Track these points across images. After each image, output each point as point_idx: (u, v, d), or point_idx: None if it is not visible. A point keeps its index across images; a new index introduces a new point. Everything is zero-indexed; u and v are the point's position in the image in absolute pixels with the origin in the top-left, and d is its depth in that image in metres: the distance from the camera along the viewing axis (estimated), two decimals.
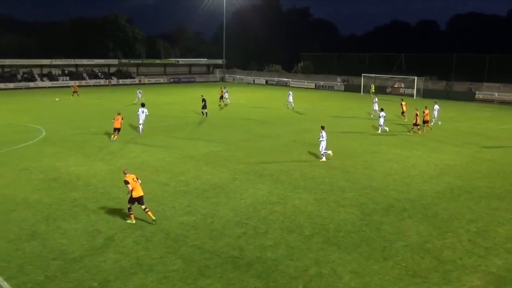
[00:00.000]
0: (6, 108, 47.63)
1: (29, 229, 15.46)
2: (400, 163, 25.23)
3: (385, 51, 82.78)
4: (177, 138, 31.33)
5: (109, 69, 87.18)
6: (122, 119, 30.79)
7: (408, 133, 34.49)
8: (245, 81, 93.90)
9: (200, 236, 14.99)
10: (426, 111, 35.43)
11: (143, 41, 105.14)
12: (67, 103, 52.94)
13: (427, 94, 65.76)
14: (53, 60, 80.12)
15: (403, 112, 41.21)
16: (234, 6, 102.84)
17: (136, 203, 16.09)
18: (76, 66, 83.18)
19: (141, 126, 33.18)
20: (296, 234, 15.28)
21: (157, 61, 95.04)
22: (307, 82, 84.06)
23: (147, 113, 33.88)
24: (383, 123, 35.15)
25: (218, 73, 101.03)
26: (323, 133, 25.39)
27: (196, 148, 28.16)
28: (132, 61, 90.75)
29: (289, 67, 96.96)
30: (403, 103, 41.89)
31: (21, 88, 72.61)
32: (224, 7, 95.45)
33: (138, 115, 33.49)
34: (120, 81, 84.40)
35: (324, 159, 25.36)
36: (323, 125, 26.86)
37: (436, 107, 39.80)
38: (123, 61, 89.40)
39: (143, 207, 16.22)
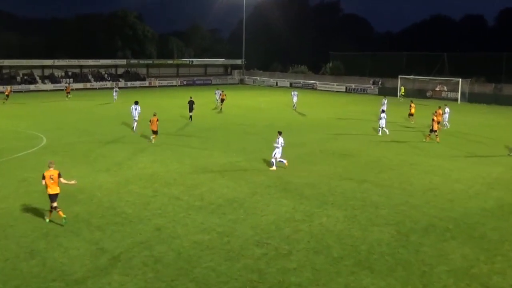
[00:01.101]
0: (4, 113, 48.54)
1: (27, 246, 15.66)
2: (442, 176, 24.95)
3: (425, 50, 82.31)
4: (191, 147, 31.52)
5: (116, 70, 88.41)
6: (157, 120, 32.72)
7: (424, 140, 35.14)
8: (267, 83, 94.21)
9: (215, 257, 15.00)
10: (439, 111, 38.79)
11: (154, 39, 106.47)
12: (70, 107, 53.74)
13: (473, 98, 65.06)
14: (56, 60, 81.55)
15: (410, 114, 44.11)
16: (255, 0, 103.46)
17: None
18: (81, 67, 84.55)
19: (135, 124, 36.70)
20: (323, 256, 15.18)
21: (170, 61, 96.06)
22: (337, 85, 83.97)
23: (140, 110, 37.06)
24: (384, 125, 37.33)
25: (236, 75, 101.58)
26: (280, 139, 25.80)
27: (212, 158, 28.29)
28: (142, 61, 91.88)
29: (316, 68, 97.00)
30: (412, 105, 44.56)
31: (21, 91, 73.86)
32: (244, 2, 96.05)
33: (131, 112, 37.12)
34: (129, 84, 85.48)
35: (274, 167, 25.69)
36: (280, 130, 27.28)
37: (447, 110, 41.65)
38: (132, 61, 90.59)
39: (54, 204, 17.22)
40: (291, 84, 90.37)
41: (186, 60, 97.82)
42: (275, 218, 18.36)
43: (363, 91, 79.08)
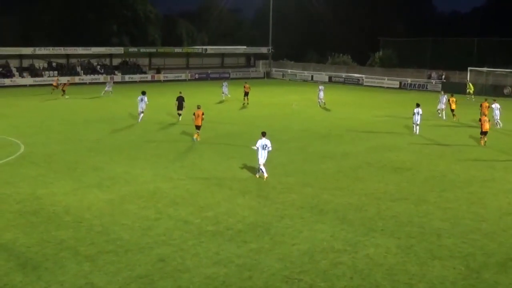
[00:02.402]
0: None
1: (0, 280, 15.87)
2: None
3: (502, 34, 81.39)
4: (203, 158, 31.68)
5: (111, 61, 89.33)
6: (203, 114, 36.01)
7: (480, 145, 36.72)
8: (299, 77, 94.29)
9: None
10: (485, 104, 43.84)
11: (158, 22, 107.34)
12: (55, 107, 54.43)
13: None
14: (37, 48, 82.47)
15: (452, 110, 47.38)
16: None
17: None
18: (68, 56, 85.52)
19: (141, 115, 43.58)
20: None
21: (177, 49, 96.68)
22: (388, 79, 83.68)
23: (147, 101, 43.71)
24: (419, 121, 40.07)
25: (261, 67, 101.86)
26: (261, 142, 26.73)
27: (230, 172, 28.35)
28: (143, 49, 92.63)
29: (362, 59, 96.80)
30: (452, 99, 48.07)
31: None
32: None
33: (138, 102, 43.81)
34: (127, 77, 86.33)
35: (262, 174, 26.81)
36: (264, 131, 27.82)
37: (497, 106, 44.38)
38: (131, 49, 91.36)
39: None
40: (330, 78, 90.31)
41: (198, 48, 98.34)
42: (309, 247, 18.31)
43: (422, 87, 78.61)
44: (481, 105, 44.49)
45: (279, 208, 22.32)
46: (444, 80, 78.25)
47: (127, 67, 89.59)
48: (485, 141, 36.81)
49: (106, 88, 63.69)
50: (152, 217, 21.05)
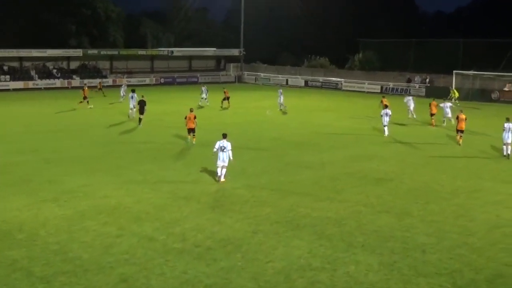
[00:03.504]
0: None
1: None
2: None
3: (489, 35, 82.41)
4: (170, 169, 31.58)
5: (69, 64, 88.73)
6: (195, 117, 38.37)
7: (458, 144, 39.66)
8: (273, 81, 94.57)
9: None
10: (434, 103, 48.62)
11: (120, 22, 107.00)
12: (10, 114, 53.86)
13: None
14: None
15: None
16: None
17: None
18: (21, 59, 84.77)
19: (132, 111, 49.52)
20: None
21: (141, 51, 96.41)
22: (369, 84, 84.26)
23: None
24: (387, 122, 42.71)
25: (232, 70, 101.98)
26: (220, 143, 28.01)
27: (199, 184, 28.27)
28: (103, 51, 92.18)
29: (341, 61, 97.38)
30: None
31: None
32: None
33: (129, 99, 50.20)
34: (86, 82, 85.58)
35: (222, 179, 28.12)
36: (225, 133, 28.97)
37: (446, 104, 49.36)
38: (91, 51, 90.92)
39: None
40: (306, 82, 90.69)
41: (163, 50, 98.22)
42: (284, 265, 18.30)
43: (405, 92, 79.10)
44: (430, 105, 49.41)
45: (252, 223, 22.27)
46: (428, 84, 79.00)
47: (86, 71, 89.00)
48: (461, 139, 39.88)
49: (122, 92, 64.39)
50: (114, 234, 20.86)
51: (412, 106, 53.97)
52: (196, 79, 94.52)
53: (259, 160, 33.87)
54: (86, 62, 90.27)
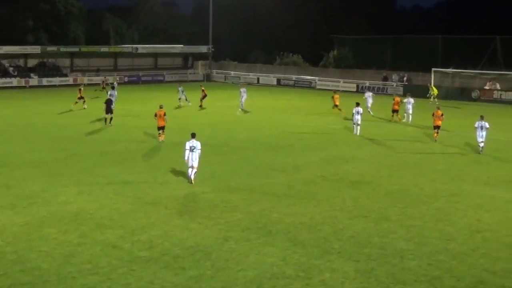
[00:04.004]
0: None
1: None
2: (495, 212, 25.15)
3: (469, 31, 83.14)
4: (135, 173, 31.40)
5: (26, 62, 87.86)
6: (165, 114, 39.58)
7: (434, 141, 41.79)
8: (244, 80, 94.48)
9: None
10: (397, 99, 51.79)
11: (81, 17, 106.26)
12: None
13: None
14: None
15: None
16: None
17: None
18: None
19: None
20: None
21: (104, 48, 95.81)
22: (344, 82, 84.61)
23: (116, 95, 52.50)
24: (360, 120, 44.04)
25: (201, 68, 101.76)
26: (189, 143, 28.71)
27: (166, 189, 28.15)
28: (63, 48, 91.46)
29: (315, 59, 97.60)
30: (336, 96, 55.55)
31: None
32: None
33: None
34: (44, 81, 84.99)
35: (194, 178, 28.80)
36: (194, 132, 29.66)
37: (409, 100, 52.13)
38: (50, 48, 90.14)
39: None
40: (279, 81, 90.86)
41: (127, 47, 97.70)
42: (256, 274, 18.29)
43: (382, 91, 79.66)
44: (393, 99, 52.23)
45: (222, 230, 22.23)
46: (406, 83, 79.49)
47: (45, 69, 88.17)
48: (437, 136, 41.89)
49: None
50: (75, 242, 20.70)
51: (370, 102, 56.41)
52: (162, 78, 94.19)
53: (229, 163, 33.85)
54: (45, 60, 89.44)
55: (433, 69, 72.47)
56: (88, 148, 37.91)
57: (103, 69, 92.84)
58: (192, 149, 28.50)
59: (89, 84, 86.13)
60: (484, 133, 37.40)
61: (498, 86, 70.86)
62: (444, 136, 43.25)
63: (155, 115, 39.83)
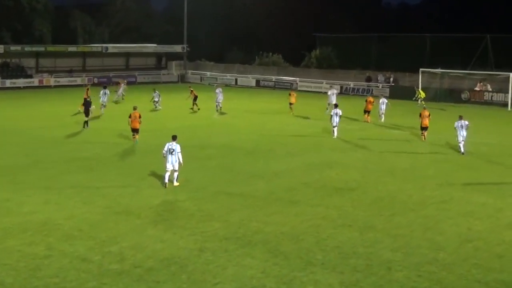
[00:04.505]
0: None
1: None
2: (487, 220, 25.26)
3: (458, 30, 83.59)
4: (106, 180, 31.26)
5: None
6: (140, 116, 40.58)
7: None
8: (221, 81, 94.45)
9: None
10: (370, 99, 54.07)
11: (47, 14, 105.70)
12: None
13: None
14: None
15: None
16: None
17: None
18: None
19: (103, 109, 54.90)
20: None
21: (72, 48, 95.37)
22: (327, 83, 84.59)
23: (109, 93, 55.78)
24: (337, 122, 44.55)
25: (175, 69, 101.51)
26: (168, 145, 29.43)
27: (139, 197, 28.05)
28: (28, 48, 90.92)
29: (296, 59, 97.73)
30: (293, 93, 60.12)
31: None
32: None
33: (100, 97, 55.26)
34: (8, 82, 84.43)
35: (176, 183, 29.45)
36: (175, 134, 30.52)
37: (383, 100, 54.89)
38: (13, 48, 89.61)
39: None
40: (258, 82, 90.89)
41: (97, 47, 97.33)
42: (235, 287, 18.26)
43: (367, 92, 79.77)
44: (366, 101, 54.56)
45: (199, 240, 22.18)
46: (393, 84, 79.75)
47: (8, 70, 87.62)
48: (425, 136, 43.59)
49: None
50: (42, 254, 20.57)
51: (333, 100, 57.87)
52: (134, 79, 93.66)
53: (206, 170, 33.79)
54: (8, 60, 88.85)
55: (420, 69, 72.63)
56: (56, 154, 37.70)
57: (71, 70, 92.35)
58: (171, 152, 29.07)
59: (60, 86, 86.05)
60: (464, 132, 39.09)
61: (489, 87, 71.18)
62: (433, 140, 43.47)
63: (129, 117, 40.58)
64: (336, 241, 22.27)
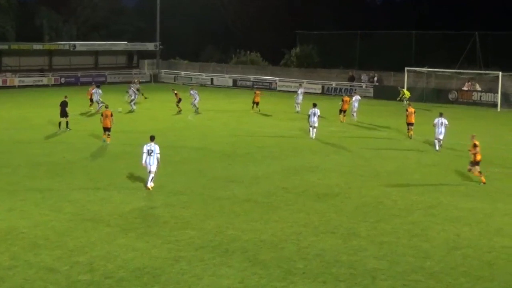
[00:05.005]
0: None
1: None
2: (476, 226, 25.40)
3: (446, 27, 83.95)
4: (73, 186, 31.14)
5: None
6: (112, 115, 41.94)
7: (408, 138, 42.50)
8: (196, 81, 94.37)
9: None
10: (346, 98, 54.85)
11: (11, 10, 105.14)
12: None
13: None
14: None
15: (255, 103, 60.51)
16: None
17: None
18: None
19: (100, 105, 55.71)
20: None
21: (37, 46, 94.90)
22: (308, 83, 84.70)
23: (101, 92, 58.18)
24: (316, 123, 45.30)
25: (147, 68, 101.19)
26: (147, 146, 30.07)
27: (108, 203, 27.97)
28: None
29: (275, 57, 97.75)
30: (257, 92, 62.53)
31: None
32: None
33: (94, 94, 58.47)
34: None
35: (150, 184, 29.98)
36: (153, 135, 31.46)
37: (357, 98, 57.18)
38: None
39: None
40: (235, 82, 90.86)
41: (64, 44, 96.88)
42: None
43: (350, 92, 79.86)
44: (342, 100, 55.31)
45: (173, 249, 22.16)
46: (377, 84, 79.97)
47: None
48: (412, 133, 45.45)
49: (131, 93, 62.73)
50: (6, 264, 20.45)
51: (300, 99, 60.87)
52: (104, 78, 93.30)
53: (181, 174, 33.75)
54: None
55: (406, 68, 72.75)
56: (21, 158, 37.47)
57: (37, 69, 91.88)
58: (149, 153, 29.73)
59: (25, 86, 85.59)
60: (443, 129, 41.54)
61: (477, 87, 71.60)
62: (419, 142, 43.73)
63: (101, 115, 42.47)
64: (318, 249, 22.30)
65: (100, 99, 57.34)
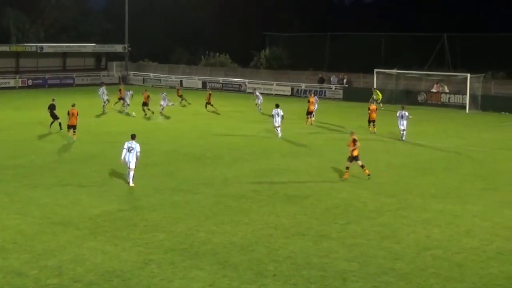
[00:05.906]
0: None
1: None
2: (446, 227, 25.54)
3: (415, 29, 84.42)
4: (41, 189, 30.93)
5: None
6: (78, 114, 43.55)
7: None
8: (165, 83, 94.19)
9: None
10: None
11: None
12: None
13: (491, 105, 66.87)
14: None
15: (208, 103, 62.97)
16: None
17: None
18: None
19: (105, 104, 60.53)
20: None
21: (3, 47, 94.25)
22: (277, 85, 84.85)
23: (106, 91, 61.19)
24: (280, 123, 46.49)
25: (116, 70, 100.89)
26: (128, 144, 31.37)
27: (77, 206, 27.80)
28: None
29: (245, 59, 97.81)
30: (210, 92, 64.74)
31: None
32: None
33: (100, 95, 61.64)
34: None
35: (131, 183, 31.18)
36: (134, 133, 32.61)
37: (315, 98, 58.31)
38: None
39: None
40: (204, 83, 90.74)
41: (31, 46, 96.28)
42: None
43: (320, 94, 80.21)
44: (308, 101, 56.17)
45: (142, 252, 22.09)
46: (346, 85, 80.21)
47: None
48: (374, 129, 49.30)
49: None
50: None
51: (260, 100, 62.80)
52: (72, 81, 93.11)
53: (150, 177, 33.63)
54: None
55: (375, 70, 73.16)
56: None
57: (3, 72, 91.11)
58: (130, 150, 31.05)
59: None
60: (405, 121, 45.65)
61: (446, 89, 72.03)
62: (389, 144, 43.95)
63: (68, 113, 43.58)
64: (288, 251, 22.33)
65: (106, 97, 60.99)
